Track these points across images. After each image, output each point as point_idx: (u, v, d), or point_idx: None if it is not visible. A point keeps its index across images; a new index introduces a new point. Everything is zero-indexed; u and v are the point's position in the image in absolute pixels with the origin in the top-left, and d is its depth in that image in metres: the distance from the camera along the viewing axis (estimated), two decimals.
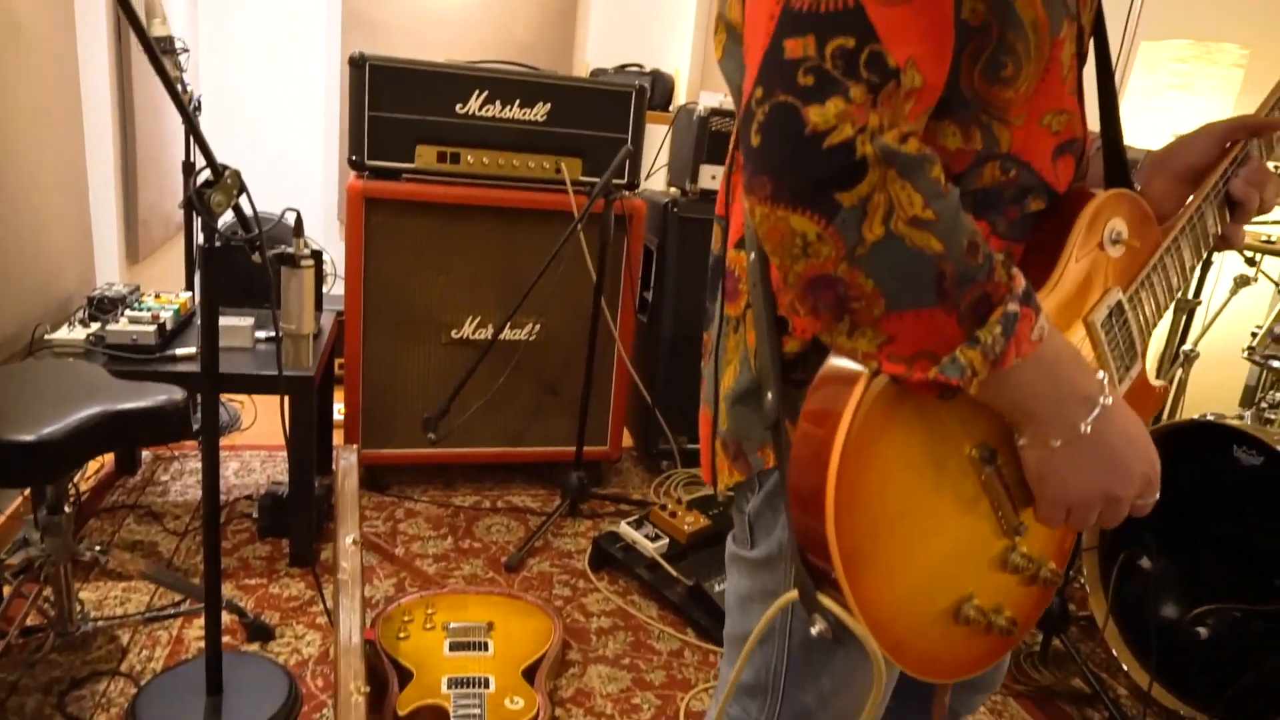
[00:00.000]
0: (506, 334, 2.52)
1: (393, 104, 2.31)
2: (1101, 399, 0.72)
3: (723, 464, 0.89)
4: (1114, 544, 2.10)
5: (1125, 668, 2.02)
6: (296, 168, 3.79)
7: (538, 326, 2.56)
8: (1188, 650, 1.90)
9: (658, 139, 3.24)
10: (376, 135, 2.32)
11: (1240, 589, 1.86)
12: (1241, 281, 2.65)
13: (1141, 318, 0.87)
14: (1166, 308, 0.90)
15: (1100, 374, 0.73)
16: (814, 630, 0.75)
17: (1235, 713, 1.80)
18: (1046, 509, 0.76)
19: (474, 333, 2.51)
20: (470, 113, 2.37)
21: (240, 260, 1.61)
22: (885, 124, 0.61)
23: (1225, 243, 0.92)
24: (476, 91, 2.36)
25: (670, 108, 3.78)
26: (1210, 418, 1.93)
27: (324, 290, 3.77)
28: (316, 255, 2.37)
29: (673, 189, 2.82)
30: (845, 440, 0.69)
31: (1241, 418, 2.54)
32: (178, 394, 1.70)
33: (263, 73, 3.68)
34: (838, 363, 0.72)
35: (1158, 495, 0.77)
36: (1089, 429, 0.71)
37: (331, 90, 3.73)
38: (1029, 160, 0.77)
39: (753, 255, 0.81)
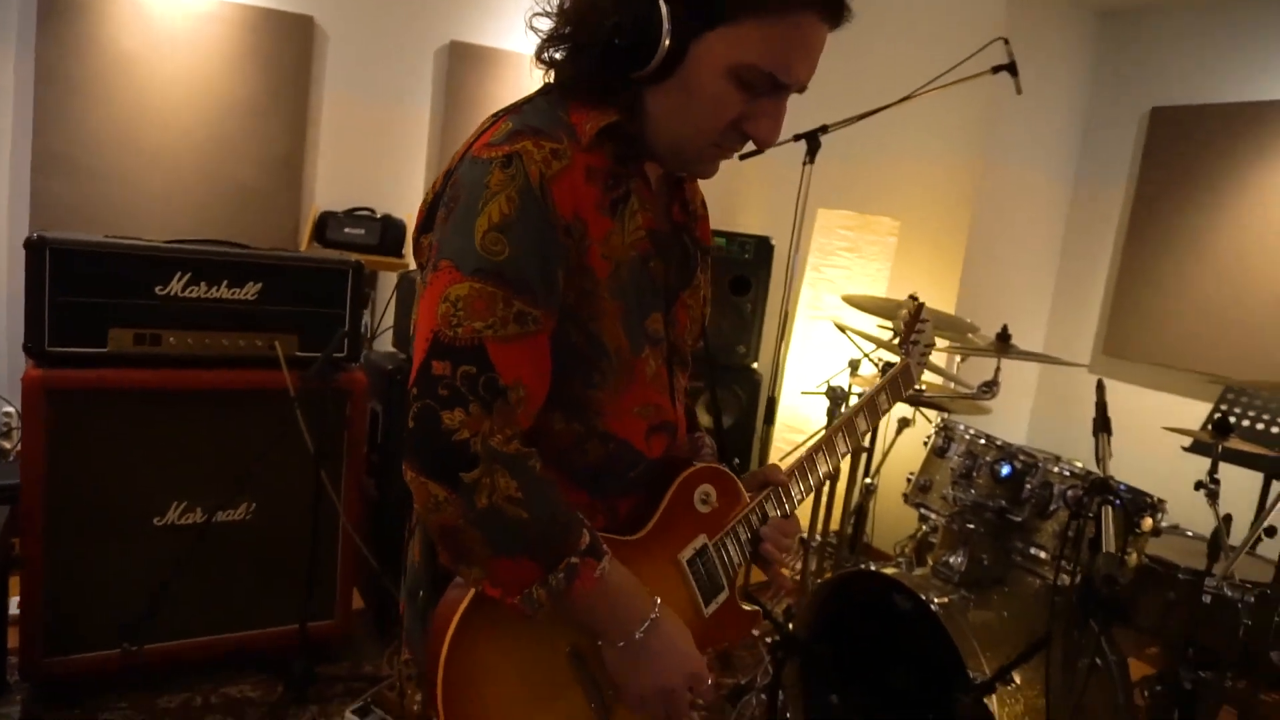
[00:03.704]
0: (220, 517, 2.40)
1: (80, 288, 2.17)
2: (652, 615, 0.99)
3: (406, 652, 1.11)
4: (811, 683, 2.34)
5: None
6: None
7: (253, 506, 2.45)
8: None
9: (391, 285, 3.27)
10: (60, 320, 2.16)
11: (903, 718, 2.13)
12: (904, 423, 3.09)
13: (726, 559, 1.14)
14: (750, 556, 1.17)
15: (656, 599, 1.01)
16: None
17: None
18: (625, 697, 1.03)
19: (180, 518, 2.36)
20: (172, 293, 2.28)
21: None
22: (494, 430, 0.90)
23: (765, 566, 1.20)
24: (179, 273, 2.28)
25: (402, 252, 3.83)
26: (873, 567, 2.23)
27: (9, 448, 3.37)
28: None
29: (399, 353, 2.84)
30: (452, 637, 0.94)
31: (910, 548, 2.93)
32: None
33: None
34: (460, 580, 0.96)
35: (708, 686, 1.05)
36: (641, 636, 0.98)
37: (18, 223, 3.40)
38: (625, 438, 1.05)
39: None
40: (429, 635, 0.98)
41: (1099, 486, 1.51)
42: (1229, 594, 1.76)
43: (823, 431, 1.29)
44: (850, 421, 1.30)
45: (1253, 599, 1.77)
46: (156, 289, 2.26)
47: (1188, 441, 2.95)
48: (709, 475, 1.12)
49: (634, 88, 0.97)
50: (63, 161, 3.38)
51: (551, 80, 1.02)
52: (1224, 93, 3.38)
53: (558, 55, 1.00)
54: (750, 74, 0.94)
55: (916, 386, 1.43)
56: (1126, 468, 2.86)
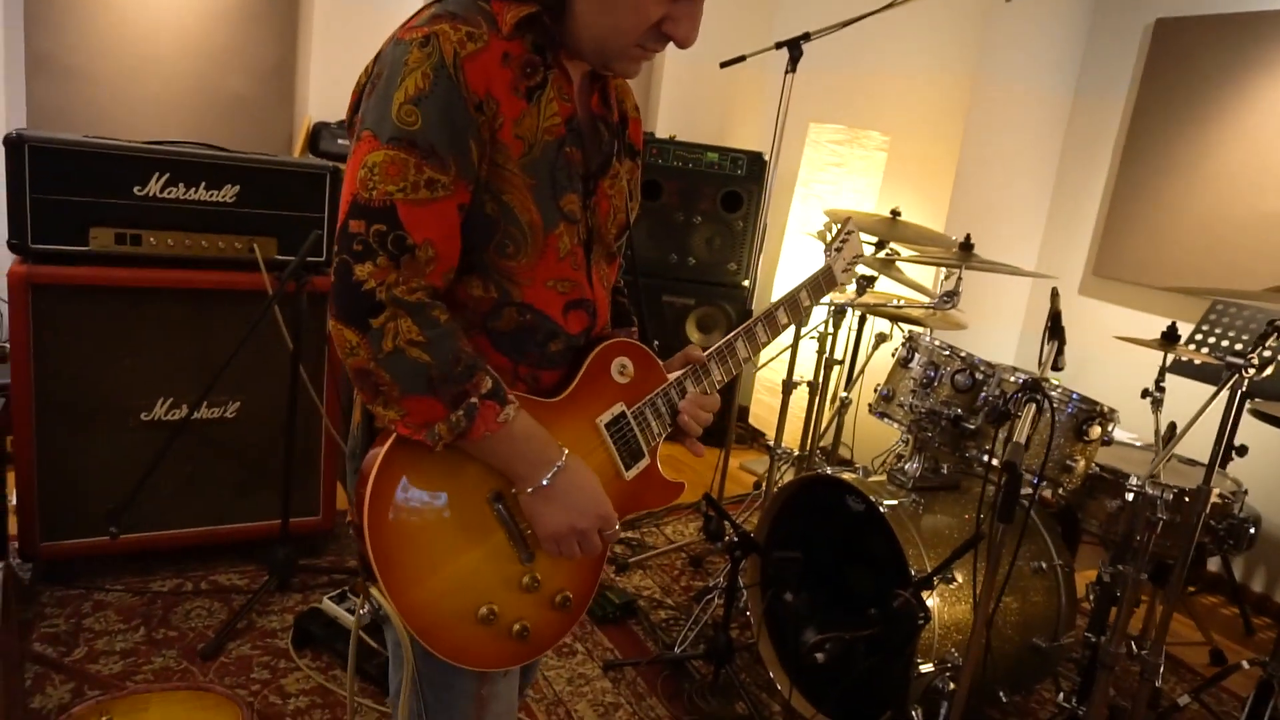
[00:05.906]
0: (204, 413, 2.49)
1: (60, 186, 2.23)
2: (559, 463, 1.07)
3: (351, 514, 1.14)
4: (771, 582, 2.42)
5: (780, 686, 2.34)
6: None
7: (236, 404, 2.54)
8: (819, 668, 2.24)
9: None
10: (41, 217, 2.22)
11: (853, 615, 2.21)
12: (880, 339, 3.11)
13: (646, 428, 1.21)
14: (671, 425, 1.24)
15: (563, 449, 1.08)
16: (362, 611, 1.06)
17: (842, 711, 2.17)
18: (541, 539, 1.10)
19: (166, 414, 2.46)
20: (151, 194, 2.33)
21: None
22: (399, 281, 0.98)
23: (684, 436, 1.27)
24: (156, 174, 2.32)
25: None
26: (829, 472, 2.28)
27: None
28: None
29: None
30: (375, 475, 1.01)
31: (888, 460, 2.97)
32: None
33: None
34: (385, 430, 1.04)
35: (616, 528, 1.13)
36: (549, 482, 1.06)
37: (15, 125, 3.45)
38: (542, 309, 1.12)
39: None
40: (357, 480, 1.06)
41: (1030, 386, 1.54)
42: (1150, 492, 1.80)
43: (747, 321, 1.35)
44: (771, 314, 1.36)
45: (1170, 498, 1.81)
46: (135, 189, 2.31)
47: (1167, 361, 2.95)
48: (626, 349, 1.20)
49: None
50: (53, 64, 3.40)
51: None
52: (1229, 2, 3.26)
53: None
54: None
55: (845, 287, 1.53)
56: (1106, 385, 2.89)
